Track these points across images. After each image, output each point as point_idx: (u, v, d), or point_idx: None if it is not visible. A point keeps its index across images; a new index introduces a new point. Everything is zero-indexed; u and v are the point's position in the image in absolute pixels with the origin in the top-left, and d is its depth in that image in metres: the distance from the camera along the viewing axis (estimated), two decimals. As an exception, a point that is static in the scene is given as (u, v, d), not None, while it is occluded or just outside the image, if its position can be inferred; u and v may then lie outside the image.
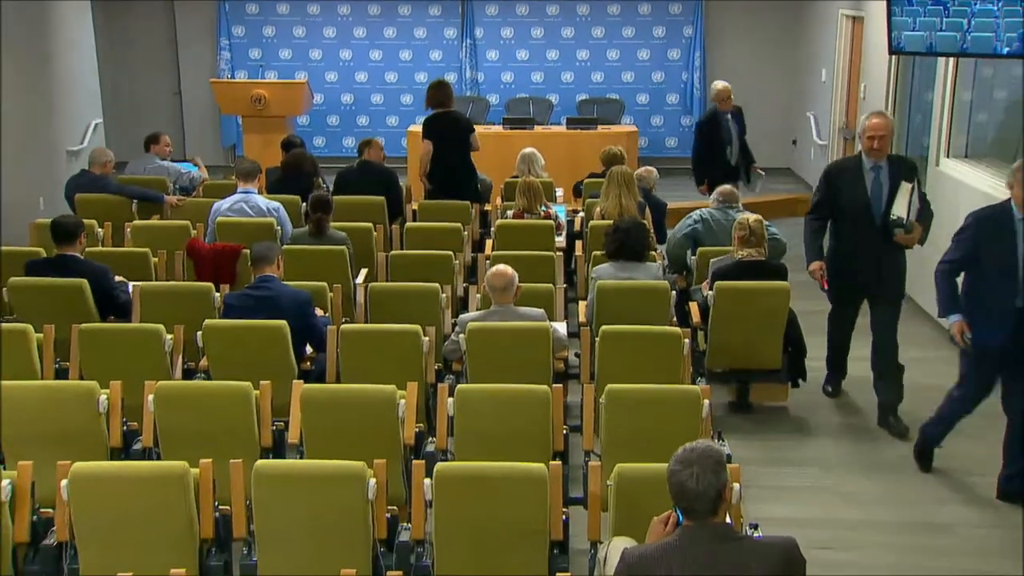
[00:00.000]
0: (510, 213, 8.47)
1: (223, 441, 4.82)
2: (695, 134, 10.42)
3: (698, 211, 7.95)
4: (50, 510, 4.30)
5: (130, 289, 6.97)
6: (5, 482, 4.11)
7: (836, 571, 4.92)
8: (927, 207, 6.64)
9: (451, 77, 14.46)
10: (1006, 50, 6.71)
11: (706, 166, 10.06)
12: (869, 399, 7.19)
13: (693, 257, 7.55)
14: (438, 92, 9.40)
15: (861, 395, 7.30)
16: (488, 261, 7.49)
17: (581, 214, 9.32)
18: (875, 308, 6.89)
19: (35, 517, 4.29)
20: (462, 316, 6.11)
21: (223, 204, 8.21)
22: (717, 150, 10.06)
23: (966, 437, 6.53)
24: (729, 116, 10.11)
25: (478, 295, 6.65)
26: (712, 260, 7.01)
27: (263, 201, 8.24)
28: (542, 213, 8.35)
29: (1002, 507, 5.78)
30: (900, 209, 6.45)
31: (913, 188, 6.42)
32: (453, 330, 6.21)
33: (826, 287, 6.86)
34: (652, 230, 8.29)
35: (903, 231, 6.47)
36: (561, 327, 6.32)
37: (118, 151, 10.96)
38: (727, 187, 8.08)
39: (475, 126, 9.79)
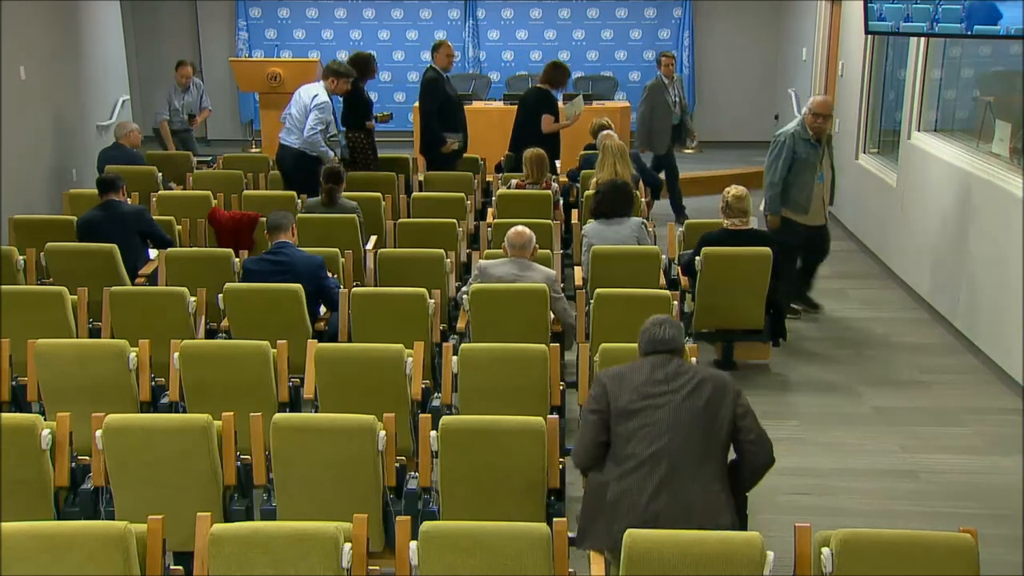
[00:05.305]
0: (513, 183, 8.45)
1: (243, 396, 4.84)
2: None
3: (787, 135, 7.64)
4: (87, 458, 4.33)
5: (152, 254, 7.06)
6: (45, 432, 4.14)
7: (813, 515, 4.95)
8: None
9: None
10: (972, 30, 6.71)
11: None
12: (846, 354, 7.25)
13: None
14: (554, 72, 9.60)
15: (838, 352, 7.34)
16: (490, 228, 7.50)
17: (577, 185, 9.30)
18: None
19: (73, 464, 4.32)
20: (481, 262, 6.18)
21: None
22: None
23: (931, 393, 6.61)
24: None
25: (480, 261, 6.66)
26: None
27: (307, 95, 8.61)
28: (544, 183, 8.33)
29: (960, 456, 5.83)
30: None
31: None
32: (471, 275, 6.35)
33: None
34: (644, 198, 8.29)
35: None
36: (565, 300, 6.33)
37: (144, 125, 10.97)
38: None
39: (478, 101, 9.80)
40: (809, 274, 8.09)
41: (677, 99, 10.58)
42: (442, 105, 9.37)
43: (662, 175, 10.33)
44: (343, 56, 14.65)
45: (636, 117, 10.64)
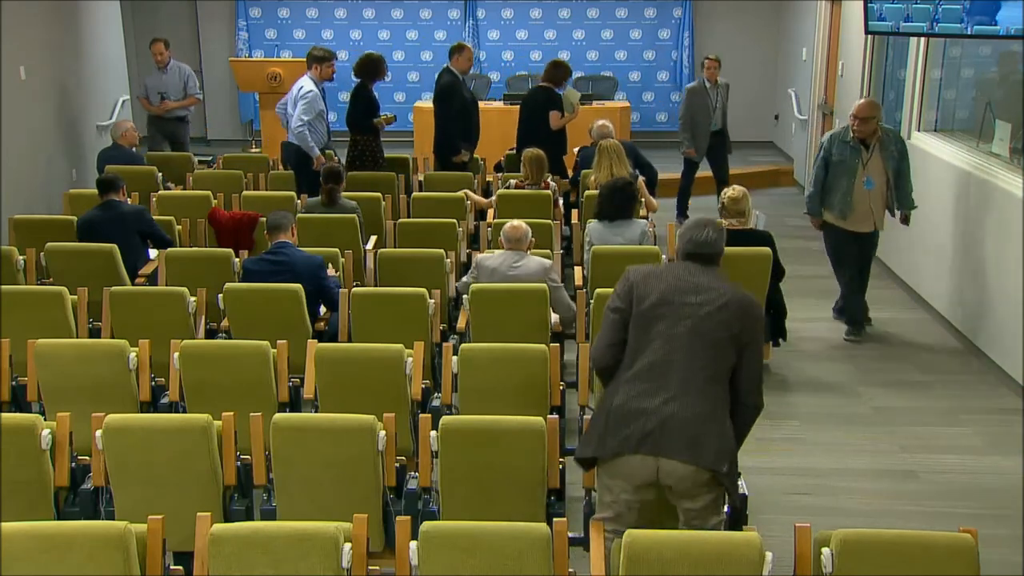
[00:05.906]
0: (512, 183, 8.44)
1: (243, 396, 4.84)
2: None
3: (827, 135, 7.66)
4: (87, 458, 4.33)
5: (152, 254, 7.06)
6: (45, 432, 4.14)
7: (813, 515, 4.95)
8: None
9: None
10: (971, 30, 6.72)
11: None
12: (846, 354, 7.24)
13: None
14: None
15: (838, 352, 7.34)
16: (490, 228, 7.50)
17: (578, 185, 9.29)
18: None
19: (73, 464, 4.32)
20: (479, 256, 6.19)
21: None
22: None
23: (931, 393, 6.61)
24: None
25: (477, 255, 6.67)
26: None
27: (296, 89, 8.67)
28: (543, 183, 8.32)
29: (960, 456, 5.84)
30: None
31: None
32: (468, 270, 6.38)
33: None
34: (645, 194, 8.25)
35: None
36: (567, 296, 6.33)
37: (143, 126, 10.97)
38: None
39: (479, 102, 9.76)
40: (853, 288, 7.66)
41: (719, 105, 10.53)
42: (458, 110, 9.30)
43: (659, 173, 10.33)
44: (344, 56, 14.73)
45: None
